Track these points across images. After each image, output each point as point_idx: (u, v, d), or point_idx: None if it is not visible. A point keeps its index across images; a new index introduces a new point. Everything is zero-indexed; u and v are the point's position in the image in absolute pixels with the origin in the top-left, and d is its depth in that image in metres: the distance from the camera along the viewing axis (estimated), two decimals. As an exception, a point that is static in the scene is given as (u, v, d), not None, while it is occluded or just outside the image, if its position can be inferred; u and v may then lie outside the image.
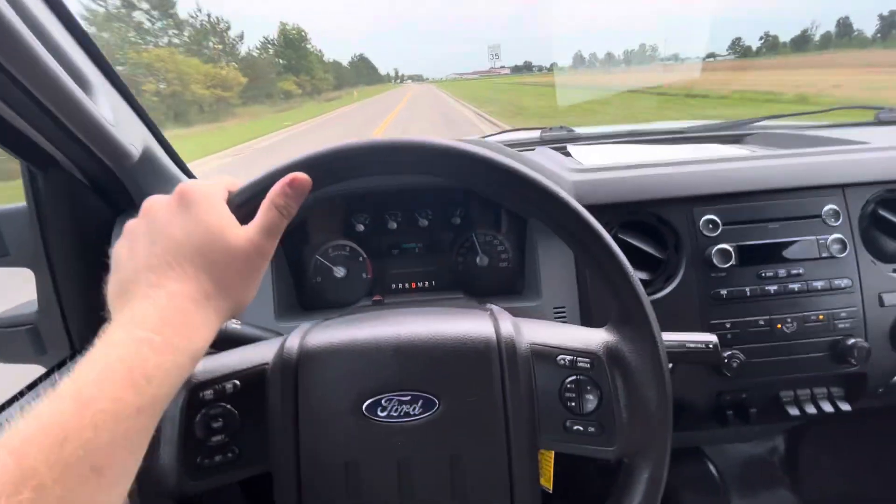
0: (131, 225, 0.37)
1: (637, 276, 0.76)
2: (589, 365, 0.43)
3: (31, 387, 0.73)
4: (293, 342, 0.43)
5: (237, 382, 0.42)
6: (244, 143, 14.21)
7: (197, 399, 0.41)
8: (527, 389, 0.42)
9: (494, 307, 0.51)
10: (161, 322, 0.31)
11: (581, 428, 0.42)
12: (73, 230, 0.73)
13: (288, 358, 0.42)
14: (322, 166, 0.39)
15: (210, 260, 0.35)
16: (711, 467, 1.15)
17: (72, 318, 0.77)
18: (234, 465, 0.42)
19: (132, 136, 0.63)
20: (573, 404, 0.43)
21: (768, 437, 1.22)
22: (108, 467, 0.27)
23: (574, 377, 0.43)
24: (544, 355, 0.44)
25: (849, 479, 1.13)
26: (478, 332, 0.43)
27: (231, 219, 0.37)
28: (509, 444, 0.41)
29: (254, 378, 0.43)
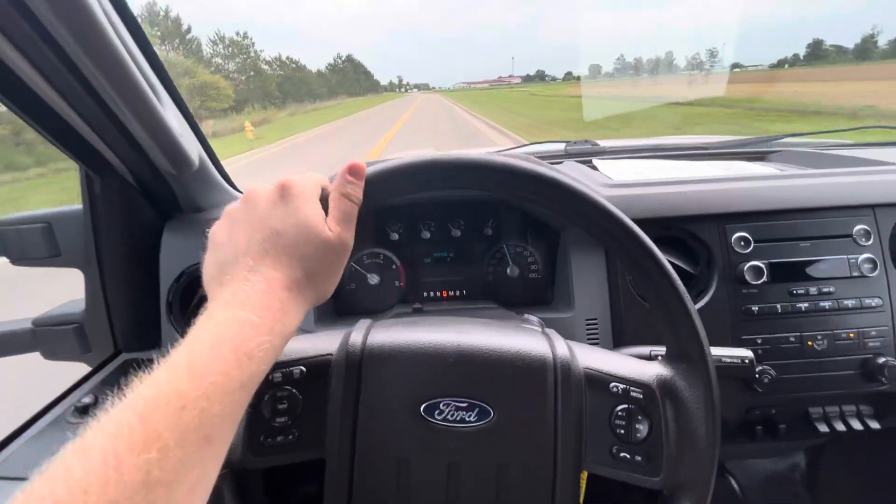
0: (232, 209, 0.39)
1: None
2: (641, 395, 0.44)
3: (79, 385, 0.76)
4: (357, 337, 0.45)
5: (303, 368, 0.44)
6: None
7: (266, 380, 0.43)
8: (577, 411, 0.44)
9: (542, 326, 0.52)
10: (260, 305, 0.33)
11: (628, 456, 0.44)
12: (123, 234, 0.76)
13: (352, 352, 0.44)
14: (410, 176, 0.42)
15: (304, 252, 0.37)
16: (733, 482, 1.15)
17: (117, 318, 0.80)
18: (293, 447, 0.44)
19: (191, 147, 0.66)
20: (622, 432, 0.44)
21: (790, 453, 1.22)
22: (216, 436, 0.29)
23: (626, 406, 0.44)
24: (597, 381, 0.45)
25: (869, 498, 1.13)
26: (535, 351, 0.45)
27: (324, 215, 0.39)
28: (556, 461, 0.43)
29: (319, 366, 0.45)
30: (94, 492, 0.23)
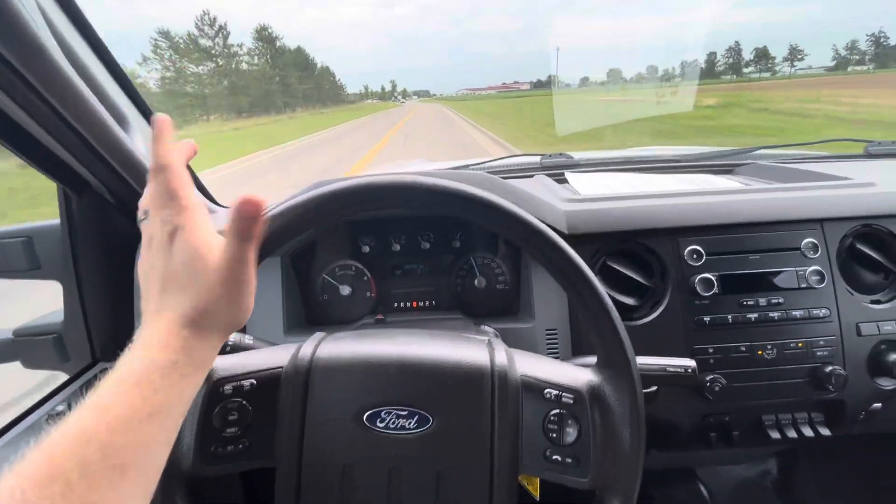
0: (142, 255, 0.40)
1: (625, 301, 0.79)
2: (572, 400, 0.47)
3: (55, 393, 0.79)
4: (307, 350, 0.48)
5: (254, 381, 0.47)
6: None
7: (217, 392, 0.46)
8: (514, 417, 0.46)
9: (492, 336, 0.55)
10: (161, 345, 0.35)
11: (559, 458, 0.46)
12: (100, 247, 0.79)
13: (301, 364, 0.47)
14: (344, 200, 0.43)
15: (198, 288, 0.37)
16: (703, 489, 1.17)
17: (94, 328, 0.83)
18: (243, 456, 0.46)
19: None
20: (554, 435, 0.46)
21: (760, 460, 1.24)
22: (129, 465, 0.30)
23: (558, 410, 0.47)
24: (533, 387, 0.48)
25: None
26: (474, 360, 0.47)
27: (216, 246, 0.38)
28: (492, 466, 0.45)
29: (269, 379, 0.48)
30: None
